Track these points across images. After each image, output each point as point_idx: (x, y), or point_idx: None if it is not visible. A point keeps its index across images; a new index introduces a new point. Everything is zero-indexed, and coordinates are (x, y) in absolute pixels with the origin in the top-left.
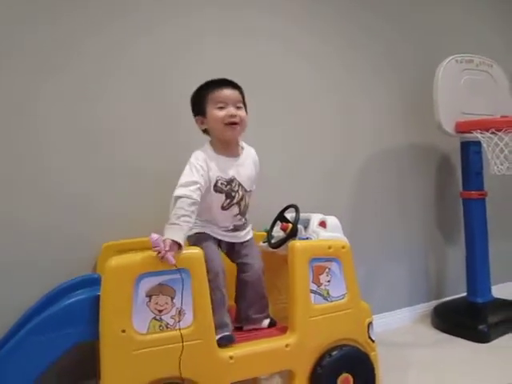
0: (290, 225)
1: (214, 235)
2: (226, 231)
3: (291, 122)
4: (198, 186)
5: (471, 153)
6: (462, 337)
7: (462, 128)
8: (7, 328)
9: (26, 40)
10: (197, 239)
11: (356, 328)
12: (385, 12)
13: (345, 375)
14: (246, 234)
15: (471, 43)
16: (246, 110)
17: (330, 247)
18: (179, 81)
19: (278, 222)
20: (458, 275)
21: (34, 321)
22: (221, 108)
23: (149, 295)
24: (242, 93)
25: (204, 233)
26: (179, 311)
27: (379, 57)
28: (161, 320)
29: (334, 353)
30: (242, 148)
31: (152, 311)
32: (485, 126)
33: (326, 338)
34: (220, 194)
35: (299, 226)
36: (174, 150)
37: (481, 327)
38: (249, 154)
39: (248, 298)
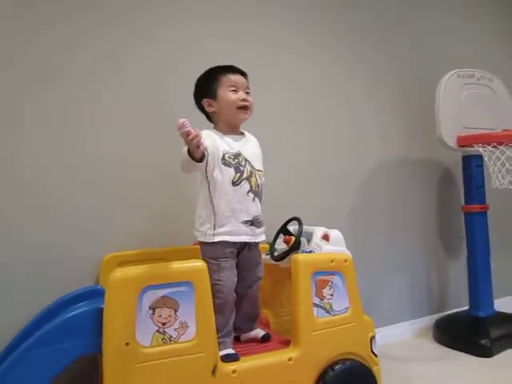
0: (293, 238)
1: (234, 239)
2: (245, 225)
3: (294, 135)
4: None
5: (473, 166)
6: (464, 351)
7: (464, 142)
8: (7, 342)
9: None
10: (215, 252)
11: (359, 342)
12: (391, 26)
13: None
14: (260, 235)
15: (474, 56)
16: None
17: (332, 261)
18: (176, 87)
19: (281, 235)
20: (460, 289)
21: (36, 334)
22: (233, 91)
23: (152, 308)
24: (247, 77)
25: (224, 243)
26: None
27: (384, 69)
28: (164, 333)
29: (337, 367)
30: (243, 133)
31: (155, 324)
32: (486, 139)
33: (329, 352)
34: (229, 168)
35: (302, 239)
36: (173, 163)
37: (483, 342)
38: (251, 137)
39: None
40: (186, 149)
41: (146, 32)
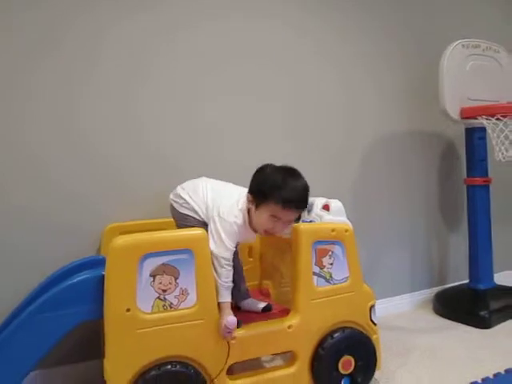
0: None
1: None
2: None
3: (294, 108)
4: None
5: (476, 139)
6: (463, 323)
7: (467, 114)
8: (11, 309)
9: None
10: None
11: (358, 311)
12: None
13: (346, 357)
14: None
15: (478, 27)
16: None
17: (333, 230)
18: (171, 66)
19: None
20: (460, 262)
21: (42, 298)
22: (273, 219)
23: (153, 275)
24: (304, 208)
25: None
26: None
27: (385, 41)
28: (165, 300)
29: (336, 335)
30: None
31: (156, 291)
32: (490, 111)
33: (328, 320)
34: None
35: None
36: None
37: (482, 313)
38: None
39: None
40: (221, 301)
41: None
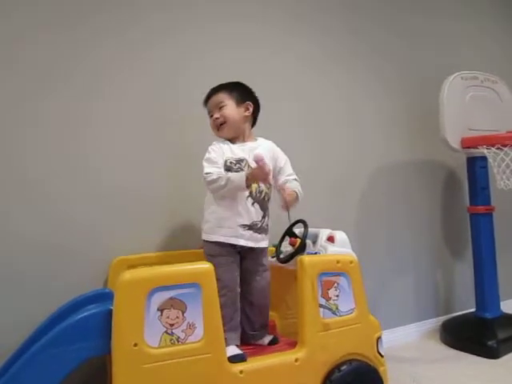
0: (299, 240)
1: (233, 240)
2: (243, 229)
3: (298, 136)
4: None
5: (477, 168)
6: (470, 352)
7: (468, 144)
8: (19, 343)
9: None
10: (213, 250)
11: (365, 343)
12: (395, 29)
13: None
14: (262, 241)
15: (477, 59)
16: (241, 102)
17: (338, 262)
18: (184, 89)
19: (287, 237)
20: (466, 290)
21: (48, 335)
22: (210, 116)
23: (160, 309)
24: (227, 90)
25: (223, 243)
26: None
27: (385, 71)
28: (172, 334)
29: (344, 367)
30: (256, 139)
31: (163, 325)
32: (490, 141)
33: (336, 353)
34: (230, 173)
35: (308, 241)
36: (182, 165)
37: (490, 343)
38: (264, 143)
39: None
40: (244, 177)
41: (156, 35)
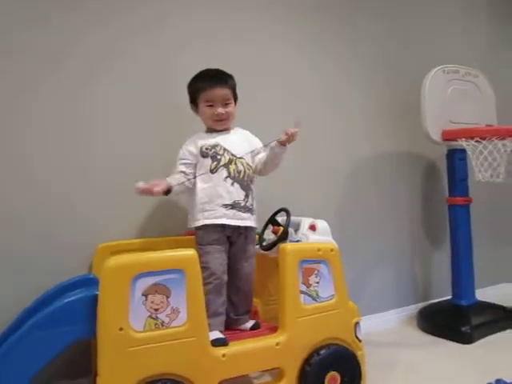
0: (281, 228)
1: (218, 220)
2: (225, 208)
3: (282, 124)
4: (183, 161)
5: (457, 160)
6: (446, 338)
7: (449, 136)
8: (3, 327)
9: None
10: (202, 238)
11: (343, 328)
12: (377, 21)
13: (332, 373)
14: (248, 219)
15: (459, 52)
16: (235, 99)
17: (319, 250)
18: (175, 81)
19: (270, 226)
20: (443, 278)
21: (36, 317)
22: (210, 106)
23: (145, 294)
24: (231, 86)
25: (207, 227)
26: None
27: (370, 64)
28: (156, 318)
29: (322, 351)
30: (233, 128)
31: (148, 310)
32: (470, 134)
33: (315, 337)
34: (206, 159)
35: (290, 229)
36: (168, 156)
37: (464, 329)
38: (240, 131)
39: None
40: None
41: (147, 27)
